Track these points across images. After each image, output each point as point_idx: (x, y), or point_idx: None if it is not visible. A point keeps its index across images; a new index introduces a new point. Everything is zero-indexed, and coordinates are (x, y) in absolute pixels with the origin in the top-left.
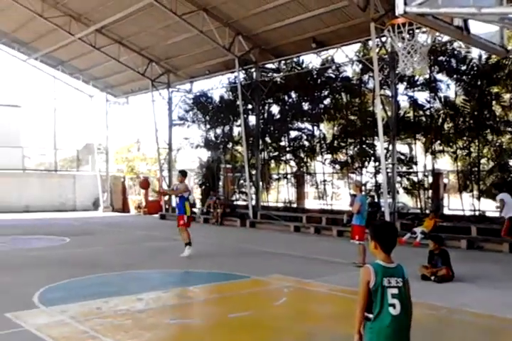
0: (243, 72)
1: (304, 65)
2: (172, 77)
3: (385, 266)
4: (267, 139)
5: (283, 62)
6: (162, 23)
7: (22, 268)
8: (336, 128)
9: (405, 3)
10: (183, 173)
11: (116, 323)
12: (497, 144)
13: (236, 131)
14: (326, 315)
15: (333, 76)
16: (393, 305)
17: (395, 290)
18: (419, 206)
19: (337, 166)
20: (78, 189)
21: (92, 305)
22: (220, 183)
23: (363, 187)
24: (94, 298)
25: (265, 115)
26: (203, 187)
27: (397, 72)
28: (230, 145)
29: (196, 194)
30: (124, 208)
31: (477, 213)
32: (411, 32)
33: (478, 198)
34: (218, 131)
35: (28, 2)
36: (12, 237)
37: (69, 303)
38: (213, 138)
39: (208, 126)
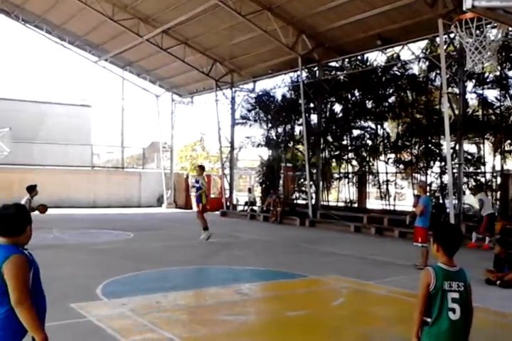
0: (306, 70)
1: (368, 63)
2: (235, 77)
3: (447, 269)
4: (329, 138)
5: (346, 60)
6: (226, 24)
7: (88, 261)
8: (400, 127)
9: None
10: (202, 167)
11: (174, 317)
12: None
13: (297, 129)
14: (383, 317)
15: (399, 73)
16: (453, 310)
17: (456, 295)
18: None
19: (401, 166)
20: (143, 186)
21: (151, 299)
22: (281, 182)
23: (428, 188)
24: (154, 292)
25: (327, 114)
26: (264, 185)
27: (465, 69)
28: (291, 144)
29: (256, 192)
30: (187, 205)
31: None
32: (480, 27)
33: None
34: (280, 129)
35: (100, 6)
36: (80, 231)
37: (129, 296)
38: (274, 137)
39: (270, 125)
